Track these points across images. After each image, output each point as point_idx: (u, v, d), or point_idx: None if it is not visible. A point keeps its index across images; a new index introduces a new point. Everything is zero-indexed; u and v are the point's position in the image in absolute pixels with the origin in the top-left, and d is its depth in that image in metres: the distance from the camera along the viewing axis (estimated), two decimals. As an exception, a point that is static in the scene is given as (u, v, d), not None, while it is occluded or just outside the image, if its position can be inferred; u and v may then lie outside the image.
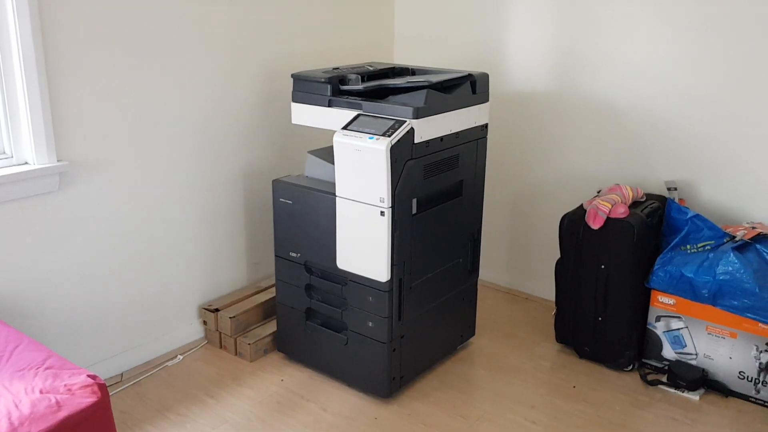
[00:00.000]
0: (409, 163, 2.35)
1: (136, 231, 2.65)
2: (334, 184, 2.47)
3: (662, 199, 2.87)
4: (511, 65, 3.26)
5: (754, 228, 2.61)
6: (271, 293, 3.01)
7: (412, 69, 2.80)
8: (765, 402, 2.57)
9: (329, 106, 2.53)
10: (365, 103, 2.44)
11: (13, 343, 1.87)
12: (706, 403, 2.60)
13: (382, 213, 2.34)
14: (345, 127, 2.40)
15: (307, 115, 2.60)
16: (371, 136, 2.31)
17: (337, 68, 2.67)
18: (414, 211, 2.44)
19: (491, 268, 3.48)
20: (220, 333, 2.89)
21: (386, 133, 2.30)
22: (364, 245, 2.42)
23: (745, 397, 2.61)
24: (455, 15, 3.40)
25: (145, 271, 2.72)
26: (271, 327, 2.91)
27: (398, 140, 2.29)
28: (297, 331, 2.74)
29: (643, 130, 2.97)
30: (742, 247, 2.55)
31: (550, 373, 2.79)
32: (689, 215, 2.68)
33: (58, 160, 2.34)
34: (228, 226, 2.99)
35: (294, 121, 2.66)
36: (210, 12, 2.72)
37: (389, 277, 2.41)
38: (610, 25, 2.96)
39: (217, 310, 2.88)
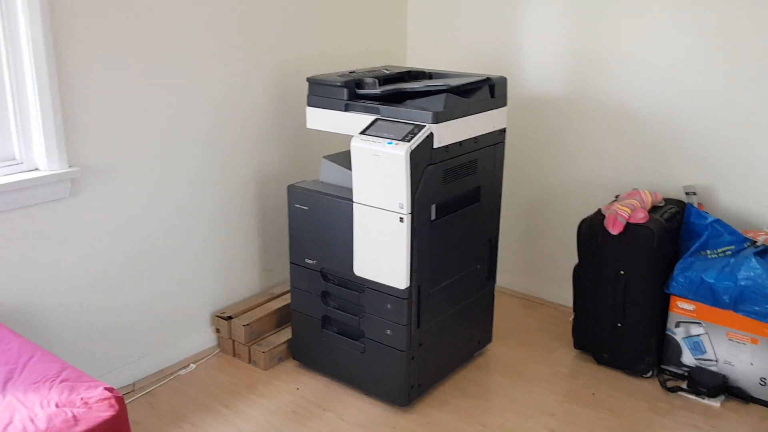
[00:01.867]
0: (428, 168, 2.31)
1: (147, 237, 2.61)
2: (350, 190, 2.44)
3: (681, 204, 2.83)
4: (525, 68, 3.23)
5: (776, 233, 2.58)
6: (285, 300, 2.97)
7: (429, 72, 2.76)
8: (788, 409, 2.55)
9: (346, 110, 2.49)
10: (383, 108, 2.40)
11: (27, 354, 1.82)
12: (726, 410, 2.57)
13: (402, 219, 2.30)
14: (363, 132, 2.36)
15: (323, 120, 2.57)
16: (390, 141, 2.27)
17: (353, 72, 2.64)
18: (433, 217, 2.40)
19: (506, 274, 3.44)
20: (234, 341, 2.84)
21: (405, 138, 2.26)
22: (382, 252, 2.38)
23: (766, 404, 2.58)
24: (468, 17, 3.36)
25: (157, 278, 2.68)
26: (286, 335, 2.87)
27: (418, 145, 2.25)
28: (313, 338, 2.70)
29: (661, 134, 2.93)
30: (764, 252, 2.52)
31: (569, 380, 2.75)
32: (709, 220, 2.65)
33: (69, 166, 2.30)
34: (240, 232, 2.95)
35: (309, 125, 2.62)
36: (220, 15, 2.68)
37: (408, 284, 2.37)
38: (627, 27, 2.93)
39: (230, 317, 2.84)
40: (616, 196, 2.89)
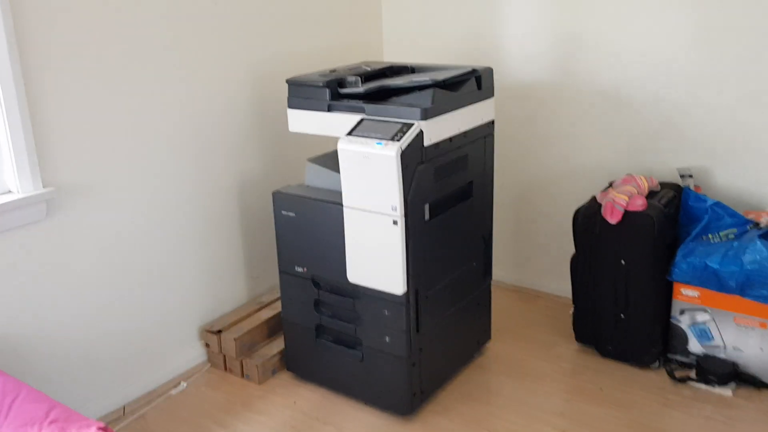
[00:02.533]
0: (419, 167, 2.21)
1: (129, 255, 2.49)
2: (338, 193, 2.33)
3: (677, 188, 2.76)
4: (508, 56, 3.13)
5: (778, 213, 2.51)
6: (275, 308, 2.87)
7: (411, 67, 2.66)
8: (800, 393, 2.48)
9: (329, 111, 2.38)
10: (368, 106, 2.29)
11: (12, 394, 1.70)
12: (739, 398, 2.50)
13: (395, 222, 2.20)
14: (349, 133, 2.25)
15: (306, 122, 2.45)
16: (379, 141, 2.16)
17: (334, 70, 2.52)
18: (427, 217, 2.30)
19: (499, 267, 3.35)
20: (225, 355, 2.73)
21: (395, 138, 2.16)
22: (376, 256, 2.28)
23: (778, 389, 2.52)
24: (445, 7, 3.26)
25: (142, 295, 2.56)
26: (278, 345, 2.76)
27: (408, 144, 2.15)
28: (307, 349, 2.60)
29: (652, 117, 2.85)
30: (767, 234, 2.45)
31: (574, 376, 2.68)
32: (709, 203, 2.58)
33: (44, 187, 2.17)
34: (224, 242, 2.83)
35: (291, 128, 2.51)
36: (190, 18, 2.55)
37: (405, 289, 2.27)
38: (612, 8, 2.83)
39: (219, 331, 2.73)
40: (610, 183, 2.81)
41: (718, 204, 2.56)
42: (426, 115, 2.19)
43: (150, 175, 2.51)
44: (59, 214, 2.25)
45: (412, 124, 2.18)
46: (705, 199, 2.59)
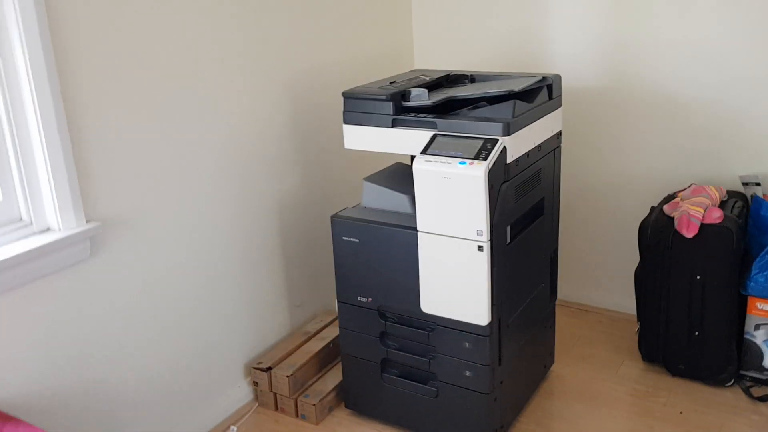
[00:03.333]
0: (503, 186, 2.04)
1: (170, 289, 2.26)
2: (401, 215, 2.19)
3: (742, 197, 2.64)
4: (554, 59, 2.98)
5: None
6: (323, 339, 2.67)
7: (471, 76, 2.48)
8: None
9: (393, 126, 2.18)
10: (440, 121, 2.11)
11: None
12: (824, 414, 2.40)
13: (480, 248, 2.02)
14: (424, 152, 2.06)
15: (366, 139, 2.25)
16: (462, 160, 1.98)
17: (394, 82, 2.33)
18: (508, 240, 2.13)
19: (543, 282, 3.20)
20: (275, 394, 2.52)
21: (479, 156, 1.98)
22: (457, 285, 2.10)
23: None
24: (481, 7, 3.08)
25: (185, 334, 2.33)
26: (333, 379, 2.56)
27: (494, 162, 1.97)
28: (370, 384, 2.40)
29: (710, 122, 2.73)
30: None
31: (649, 399, 2.53)
32: (785, 212, 2.47)
33: (87, 222, 1.93)
34: (265, 269, 2.61)
35: (348, 145, 2.30)
36: (222, 37, 2.32)
37: (490, 319, 2.10)
38: (666, 6, 2.70)
39: (269, 368, 2.51)
40: (673, 194, 2.68)
41: (794, 213, 2.45)
42: (509, 130, 2.02)
43: (189, 204, 2.28)
44: (102, 252, 2.01)
45: (497, 141, 2.00)
46: (780, 209, 2.47)
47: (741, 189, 2.71)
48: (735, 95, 2.66)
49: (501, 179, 2.02)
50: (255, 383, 2.55)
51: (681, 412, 2.45)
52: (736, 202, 2.59)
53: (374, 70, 2.98)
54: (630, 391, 2.58)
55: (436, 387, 2.27)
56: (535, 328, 2.46)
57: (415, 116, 2.16)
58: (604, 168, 2.98)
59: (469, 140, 2.04)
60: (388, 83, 2.31)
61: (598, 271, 3.11)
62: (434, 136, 2.09)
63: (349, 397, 2.49)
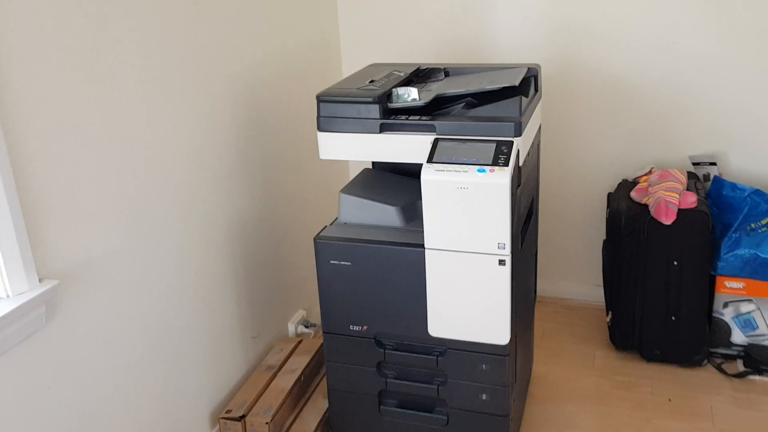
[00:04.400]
0: (517, 192, 1.86)
1: (130, 343, 1.86)
2: (389, 230, 1.99)
3: (695, 177, 2.67)
4: (497, 47, 2.83)
5: (815, 194, 2.50)
6: (292, 372, 2.37)
7: (445, 69, 2.26)
8: None
9: (382, 131, 1.92)
10: (439, 124, 1.88)
11: None
12: (795, 383, 2.49)
13: (502, 262, 1.83)
14: (431, 160, 1.82)
15: (347, 147, 1.97)
16: (481, 168, 1.77)
17: (373, 80, 2.05)
18: (520, 248, 1.96)
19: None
20: (251, 444, 2.19)
21: (498, 161, 1.78)
22: (473, 304, 1.89)
23: (825, 368, 2.54)
24: (413, -4, 2.87)
25: (147, 391, 1.94)
26: (312, 417, 2.28)
27: (514, 168, 1.78)
28: (365, 419, 2.15)
29: (660, 104, 2.72)
30: (817, 217, 2.42)
31: (635, 390, 2.50)
32: (747, 192, 2.51)
33: (40, 281, 1.51)
34: (219, 303, 2.25)
35: (324, 155, 2.01)
36: (148, 48, 1.93)
37: (509, 338, 1.92)
38: (614, -9, 2.65)
39: (242, 417, 2.18)
40: (631, 180, 2.65)
41: (756, 192, 2.50)
42: (520, 129, 1.83)
43: (139, 241, 1.87)
44: (58, 313, 1.59)
45: (511, 143, 1.81)
46: (743, 188, 2.51)
47: (691, 169, 2.73)
48: (684, 77, 2.66)
49: (516, 184, 1.84)
50: (226, 435, 2.21)
51: (670, 400, 2.44)
52: (696, 182, 2.61)
53: (302, 65, 2.68)
54: (615, 384, 2.53)
55: (446, 414, 2.06)
56: (526, 334, 2.33)
57: (407, 119, 1.92)
58: (555, 156, 2.90)
59: (479, 144, 1.83)
60: (366, 82, 2.04)
61: (551, 261, 3.04)
62: (436, 141, 1.86)
63: (340, 436, 2.23)
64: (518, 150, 1.82)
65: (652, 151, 2.78)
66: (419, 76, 2.24)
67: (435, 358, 2.01)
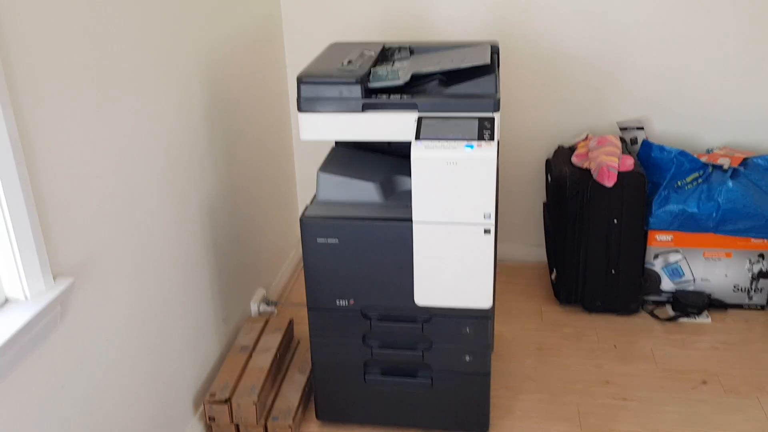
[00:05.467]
0: (498, 163, 1.97)
1: (130, 336, 1.83)
2: (369, 205, 2.05)
3: (623, 141, 2.89)
4: (435, 18, 2.91)
5: (730, 155, 2.78)
6: (268, 351, 2.40)
7: (410, 47, 2.32)
8: (757, 305, 2.84)
9: (364, 110, 1.97)
10: (421, 102, 1.95)
11: None
12: (716, 321, 2.79)
13: (487, 231, 1.94)
14: (419, 138, 1.90)
15: (329, 127, 2.00)
16: (469, 143, 1.86)
17: (351, 61, 2.08)
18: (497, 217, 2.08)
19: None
20: (237, 425, 2.21)
21: (484, 137, 1.87)
22: (459, 272, 2.00)
23: (739, 306, 2.85)
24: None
25: (139, 382, 1.91)
26: (292, 393, 2.32)
27: (497, 142, 1.89)
28: (352, 390, 2.22)
29: (591, 74, 2.92)
30: (734, 174, 2.70)
31: (583, 340, 2.71)
32: (674, 153, 2.74)
33: (54, 279, 1.46)
34: (198, 288, 2.24)
35: (305, 136, 2.03)
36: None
37: (492, 302, 2.05)
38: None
39: (228, 399, 2.19)
40: (569, 147, 2.84)
41: (682, 153, 2.74)
42: (498, 105, 1.94)
43: (131, 235, 1.83)
44: (69, 313, 1.54)
45: (492, 119, 1.91)
46: (670, 150, 2.74)
47: (619, 134, 2.96)
48: (612, 47, 2.86)
49: (497, 158, 1.95)
50: (211, 419, 2.21)
51: (615, 346, 2.67)
52: (626, 146, 2.83)
53: (250, 46, 2.65)
54: (564, 336, 2.74)
55: (430, 377, 2.17)
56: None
57: (389, 98, 1.97)
58: (494, 125, 3.03)
59: (462, 120, 1.92)
60: (344, 63, 2.06)
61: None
62: (420, 119, 1.93)
63: (324, 408, 2.28)
64: (498, 125, 1.93)
65: (585, 118, 2.98)
66: (384, 54, 2.29)
67: (420, 325, 2.11)
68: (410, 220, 1.96)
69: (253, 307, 2.70)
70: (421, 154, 1.87)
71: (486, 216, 1.92)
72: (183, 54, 2.10)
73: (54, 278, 1.46)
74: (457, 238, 1.95)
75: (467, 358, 2.13)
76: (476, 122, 1.91)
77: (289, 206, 3.22)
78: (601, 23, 2.83)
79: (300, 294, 3.00)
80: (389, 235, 2.00)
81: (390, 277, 2.05)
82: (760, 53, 2.79)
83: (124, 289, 1.79)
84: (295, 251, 3.21)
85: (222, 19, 2.40)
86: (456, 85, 2.02)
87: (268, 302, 2.78)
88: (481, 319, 2.07)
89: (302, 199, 3.30)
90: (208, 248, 2.30)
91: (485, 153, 1.85)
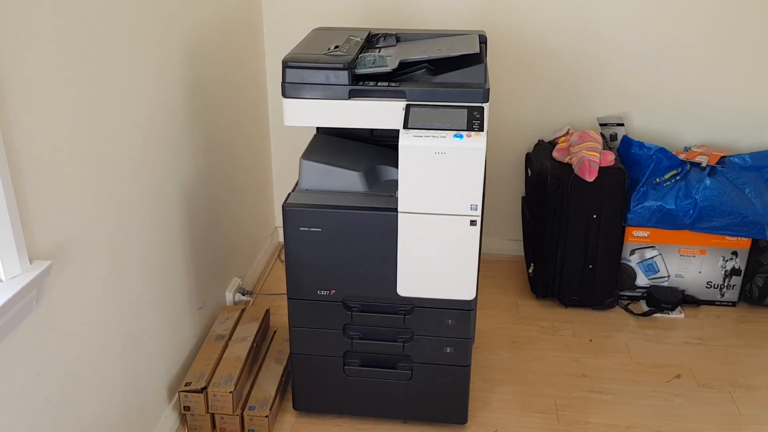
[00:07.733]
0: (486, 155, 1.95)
1: (105, 325, 1.77)
2: (352, 195, 2.02)
3: (603, 137, 2.90)
4: (419, 6, 2.88)
5: (708, 153, 2.80)
6: (244, 340, 2.36)
7: (396, 35, 2.28)
8: (729, 302, 2.89)
9: (351, 98, 1.93)
10: (410, 90, 1.92)
11: None
12: (689, 317, 2.82)
13: (473, 222, 1.93)
14: (407, 126, 1.87)
15: (315, 114, 1.96)
16: (458, 133, 1.84)
17: (337, 47, 2.04)
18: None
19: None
20: (213, 414, 2.17)
21: (473, 127, 1.85)
22: (443, 263, 1.98)
23: (711, 303, 2.89)
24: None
25: (114, 370, 1.86)
26: (268, 383, 2.28)
27: (486, 132, 1.87)
28: (329, 380, 2.19)
29: (571, 69, 2.92)
30: (711, 172, 2.73)
31: (559, 333, 2.72)
32: (653, 150, 2.76)
33: (31, 262, 1.40)
34: (173, 276, 2.18)
35: (289, 122, 1.98)
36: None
37: (475, 294, 2.04)
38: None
39: (204, 388, 2.14)
40: (549, 141, 2.84)
41: (661, 150, 2.75)
42: (487, 95, 1.92)
43: (108, 220, 1.77)
44: (44, 297, 1.48)
45: (482, 108, 1.89)
46: (649, 147, 2.76)
47: (599, 130, 2.97)
48: (593, 43, 2.86)
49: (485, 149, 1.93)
50: (186, 408, 2.16)
51: (591, 340, 2.69)
52: (606, 142, 2.84)
53: (230, 31, 2.59)
54: (540, 330, 2.75)
55: (410, 369, 2.16)
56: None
57: (376, 85, 1.94)
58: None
59: (451, 110, 1.89)
60: (330, 48, 2.02)
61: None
62: (408, 107, 1.90)
63: (302, 398, 2.25)
64: (487, 116, 1.91)
65: (565, 113, 2.98)
66: (370, 41, 2.26)
67: (402, 316, 2.08)
68: (396, 210, 1.93)
69: (228, 297, 2.65)
70: (409, 142, 1.85)
71: (473, 207, 1.91)
72: (161, 38, 2.04)
73: (30, 261, 1.40)
74: (443, 228, 1.93)
75: (448, 349, 2.12)
76: (465, 112, 1.89)
77: (265, 194, 3.16)
78: (584, 19, 2.83)
79: (275, 284, 2.95)
80: (374, 225, 1.97)
81: (373, 268, 2.02)
82: (739, 53, 2.82)
83: (100, 275, 1.74)
84: (270, 241, 3.15)
85: (201, 3, 2.34)
86: (444, 74, 2.00)
87: (243, 292, 2.73)
88: (463, 311, 2.06)
89: (278, 187, 3.25)
90: (184, 235, 2.24)
91: (475, 143, 1.83)
